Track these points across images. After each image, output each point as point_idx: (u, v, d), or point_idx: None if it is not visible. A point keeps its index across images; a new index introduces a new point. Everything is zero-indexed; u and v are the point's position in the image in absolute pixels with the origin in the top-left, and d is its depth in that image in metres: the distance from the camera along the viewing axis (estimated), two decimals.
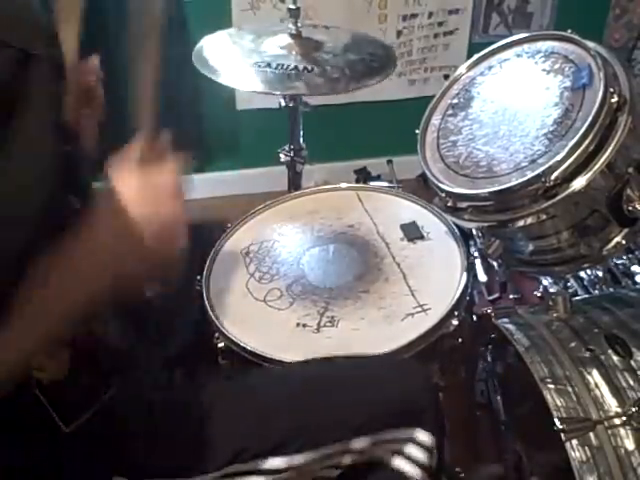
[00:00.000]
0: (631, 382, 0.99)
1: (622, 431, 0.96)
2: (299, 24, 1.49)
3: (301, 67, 1.41)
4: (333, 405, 0.93)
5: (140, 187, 0.75)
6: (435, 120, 1.22)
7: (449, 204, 1.13)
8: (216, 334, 1.11)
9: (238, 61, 1.46)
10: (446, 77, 1.28)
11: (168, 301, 1.04)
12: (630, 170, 1.02)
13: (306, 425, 0.90)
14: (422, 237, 1.28)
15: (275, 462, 0.89)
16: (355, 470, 0.94)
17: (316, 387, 0.95)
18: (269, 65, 1.41)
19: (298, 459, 0.89)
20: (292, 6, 1.48)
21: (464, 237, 1.24)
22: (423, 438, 0.92)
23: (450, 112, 1.22)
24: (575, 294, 1.56)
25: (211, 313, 1.14)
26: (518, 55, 1.20)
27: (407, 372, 0.99)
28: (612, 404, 0.98)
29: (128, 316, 0.91)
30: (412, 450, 0.92)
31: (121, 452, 0.86)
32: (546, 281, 1.75)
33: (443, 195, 1.13)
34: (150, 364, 1.00)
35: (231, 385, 0.99)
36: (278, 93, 1.46)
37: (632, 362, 1.01)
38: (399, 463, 0.93)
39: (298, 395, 0.94)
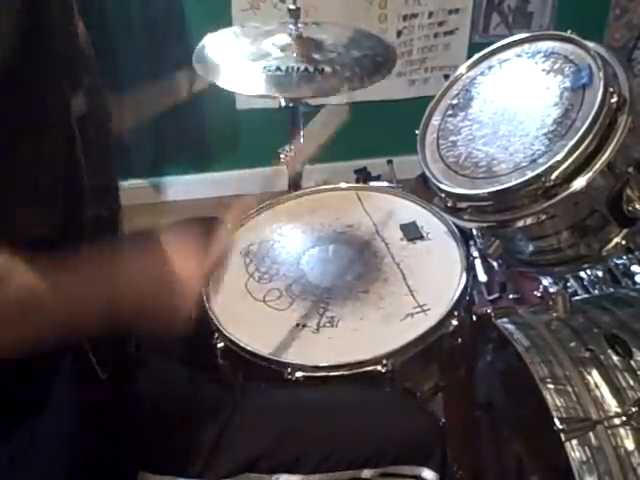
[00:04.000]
0: (631, 382, 0.99)
1: (622, 431, 0.96)
2: (299, 24, 1.48)
3: (311, 69, 1.38)
4: (346, 434, 0.95)
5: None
6: (435, 121, 1.22)
7: (449, 204, 1.13)
8: (215, 334, 1.11)
9: (246, 66, 1.42)
10: (446, 77, 1.28)
11: None
12: (630, 170, 1.01)
13: (321, 448, 0.92)
14: (422, 237, 1.27)
15: (291, 479, 0.91)
16: None
17: (332, 414, 0.97)
18: (279, 69, 1.39)
19: (312, 479, 0.91)
20: (292, 6, 1.47)
21: (464, 237, 1.24)
22: (429, 477, 0.93)
23: (450, 112, 1.22)
24: (575, 294, 1.57)
25: (210, 313, 1.14)
26: (518, 55, 1.20)
27: (417, 412, 1.02)
28: (612, 404, 0.98)
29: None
30: None
31: (140, 444, 0.89)
32: (546, 281, 1.75)
33: (443, 195, 1.13)
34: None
35: (250, 400, 1.00)
36: (290, 96, 1.42)
37: (632, 362, 1.01)
38: None
39: (315, 419, 0.96)
